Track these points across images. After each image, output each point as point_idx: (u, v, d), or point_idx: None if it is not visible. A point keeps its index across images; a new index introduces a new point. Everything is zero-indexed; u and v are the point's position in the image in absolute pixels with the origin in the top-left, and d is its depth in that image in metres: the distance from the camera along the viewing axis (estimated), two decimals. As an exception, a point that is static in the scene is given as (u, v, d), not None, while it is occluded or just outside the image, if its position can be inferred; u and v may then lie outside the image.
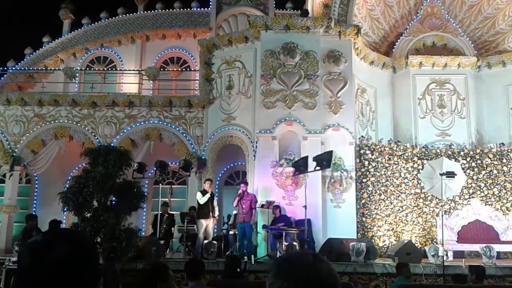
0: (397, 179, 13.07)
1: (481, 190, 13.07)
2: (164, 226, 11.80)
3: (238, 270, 6.09)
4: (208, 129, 13.85)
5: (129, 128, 14.14)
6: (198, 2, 17.78)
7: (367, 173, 12.86)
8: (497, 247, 10.74)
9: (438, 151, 13.36)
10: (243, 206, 11.35)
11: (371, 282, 9.74)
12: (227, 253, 11.51)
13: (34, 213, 14.01)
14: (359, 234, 12.22)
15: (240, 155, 13.85)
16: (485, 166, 13.22)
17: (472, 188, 13.05)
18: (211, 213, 11.51)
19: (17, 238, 11.93)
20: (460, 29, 15.45)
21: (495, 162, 13.25)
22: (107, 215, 8.23)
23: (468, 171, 12.87)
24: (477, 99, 14.72)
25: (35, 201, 15.68)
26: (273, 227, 11.14)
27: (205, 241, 10.93)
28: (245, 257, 10.32)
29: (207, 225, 11.39)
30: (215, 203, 11.80)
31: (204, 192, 11.52)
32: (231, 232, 11.91)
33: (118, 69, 16.99)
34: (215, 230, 13.55)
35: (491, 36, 15.76)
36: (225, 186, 15.87)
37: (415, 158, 13.25)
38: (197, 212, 11.63)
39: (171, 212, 12.74)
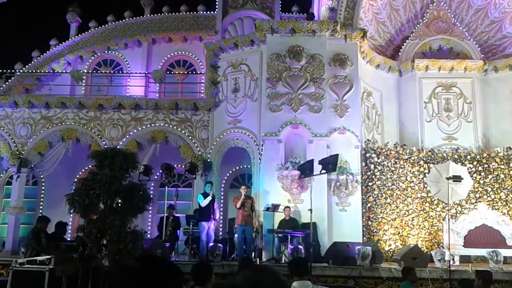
0: (403, 183, 13.02)
1: (488, 195, 12.99)
2: (169, 228, 11.82)
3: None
4: (214, 132, 13.88)
5: (135, 130, 14.19)
6: (204, 5, 17.84)
7: (373, 176, 12.82)
8: (504, 252, 10.68)
9: (445, 155, 13.30)
10: (245, 209, 11.39)
11: (376, 286, 9.71)
12: (232, 256, 11.52)
13: (40, 214, 14.06)
14: (364, 238, 12.18)
15: (246, 158, 13.86)
16: (492, 170, 13.14)
17: (479, 192, 12.97)
18: (212, 216, 11.56)
19: (24, 240, 11.98)
20: (466, 33, 15.40)
21: (502, 166, 13.17)
22: (113, 218, 8.24)
23: (474, 175, 12.80)
24: (483, 103, 14.66)
25: (42, 203, 15.76)
26: (279, 230, 11.14)
27: (211, 244, 10.95)
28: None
29: (209, 227, 11.43)
30: (215, 205, 11.85)
31: (205, 195, 11.56)
32: (236, 235, 11.91)
33: (125, 72, 17.07)
34: (221, 233, 13.58)
35: (498, 40, 15.70)
36: (231, 189, 15.87)
37: (421, 162, 13.19)
38: (198, 215, 11.67)
39: (176, 215, 12.77)
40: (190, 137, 14.01)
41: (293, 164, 12.11)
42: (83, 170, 15.04)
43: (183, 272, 1.64)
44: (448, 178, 9.80)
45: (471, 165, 12.98)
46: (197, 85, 16.33)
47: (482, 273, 7.35)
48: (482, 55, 15.16)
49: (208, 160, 13.60)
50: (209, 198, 11.45)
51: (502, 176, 13.10)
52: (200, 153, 13.77)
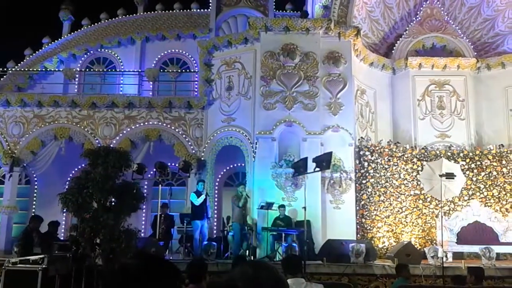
0: (396, 180, 13.07)
1: (481, 192, 13.07)
2: (163, 227, 11.80)
3: None
4: (208, 130, 13.86)
5: (128, 129, 14.14)
6: (197, 3, 17.79)
7: (367, 174, 12.86)
8: (496, 249, 10.75)
9: (438, 152, 13.36)
10: (243, 207, 11.47)
11: (370, 283, 9.74)
12: (226, 254, 11.53)
13: (33, 214, 13.99)
14: (358, 235, 12.22)
15: (240, 156, 13.85)
16: (484, 167, 13.22)
17: (472, 189, 13.05)
18: (205, 214, 11.60)
19: (17, 239, 11.92)
20: (459, 31, 15.46)
21: (495, 164, 13.25)
22: (107, 216, 8.21)
23: (467, 172, 12.87)
24: (476, 101, 14.73)
25: (34, 202, 15.67)
26: (273, 228, 11.15)
27: (205, 242, 10.95)
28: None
29: (202, 225, 11.45)
30: (207, 204, 11.88)
31: (198, 193, 11.55)
32: (230, 233, 11.92)
33: (118, 70, 16.99)
34: (215, 231, 13.58)
35: (490, 38, 15.77)
36: (225, 187, 15.87)
37: (415, 160, 13.25)
38: (192, 213, 11.64)
39: (170, 213, 12.75)
40: (184, 136, 13.97)
41: (287, 162, 12.11)
42: (76, 169, 14.97)
43: (179, 271, 1.64)
44: (441, 176, 9.84)
45: (464, 163, 13.05)
46: (191, 83, 16.29)
47: (474, 269, 7.41)
48: (475, 53, 15.23)
49: (202, 158, 13.58)
50: (203, 197, 11.47)
51: (494, 173, 13.18)
52: (194, 151, 13.74)
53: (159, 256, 1.68)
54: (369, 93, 14.48)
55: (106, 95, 14.68)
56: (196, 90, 15.24)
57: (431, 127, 14.41)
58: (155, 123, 14.18)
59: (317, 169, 10.49)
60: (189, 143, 13.88)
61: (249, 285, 1.52)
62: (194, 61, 16.67)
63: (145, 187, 14.25)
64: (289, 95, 12.60)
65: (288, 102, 12.55)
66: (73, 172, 15.03)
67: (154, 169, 11.74)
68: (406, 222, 12.89)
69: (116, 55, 17.27)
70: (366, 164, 12.88)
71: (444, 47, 15.28)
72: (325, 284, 4.86)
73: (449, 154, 13.25)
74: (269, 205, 11.33)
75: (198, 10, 17.63)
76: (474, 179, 13.12)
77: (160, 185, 11.67)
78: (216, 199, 14.71)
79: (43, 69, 16.83)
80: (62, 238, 12.45)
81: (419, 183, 12.39)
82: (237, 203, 11.47)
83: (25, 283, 7.46)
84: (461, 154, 13.34)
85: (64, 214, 12.92)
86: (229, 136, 13.48)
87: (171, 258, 11.06)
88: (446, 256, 10.81)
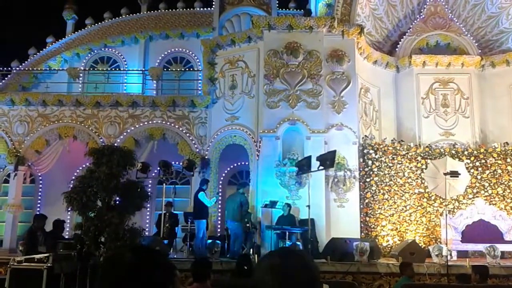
0: (400, 178, 13.04)
1: (485, 190, 13.02)
2: (167, 225, 11.82)
3: (245, 268, 6.12)
4: (212, 129, 13.87)
5: (132, 128, 14.17)
6: (201, 2, 17.80)
7: (371, 172, 12.84)
8: (501, 247, 10.71)
9: (442, 150, 13.32)
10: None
11: (374, 281, 9.73)
12: (228, 254, 11.53)
13: (38, 212, 14.05)
14: (362, 234, 12.20)
15: (244, 155, 13.86)
16: (489, 165, 13.17)
17: (476, 187, 13.00)
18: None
19: (22, 238, 11.97)
20: (463, 28, 15.41)
21: (499, 162, 13.20)
22: (111, 215, 8.23)
23: (472, 170, 12.82)
24: (481, 98, 14.68)
25: (39, 201, 15.74)
26: (277, 226, 11.15)
27: (209, 241, 10.96)
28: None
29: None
30: None
31: (206, 194, 11.54)
32: (235, 232, 11.91)
33: (122, 69, 17.03)
34: (219, 230, 13.61)
35: (494, 35, 15.70)
36: (229, 186, 15.88)
37: (419, 158, 13.21)
38: (201, 213, 11.55)
39: (174, 212, 12.76)
40: (187, 134, 13.99)
41: (291, 160, 12.11)
42: (80, 168, 15.01)
43: (171, 263, 1.64)
44: (445, 174, 9.81)
45: (468, 161, 13.00)
46: (195, 82, 16.31)
47: (479, 268, 7.39)
48: (479, 51, 15.17)
49: (206, 157, 13.60)
50: (214, 199, 11.57)
51: (499, 171, 13.13)
52: (197, 150, 13.76)
53: (150, 247, 1.67)
54: (373, 91, 14.46)
55: (110, 94, 14.72)
56: (199, 88, 15.25)
57: (435, 125, 14.37)
58: (159, 122, 14.20)
59: (321, 167, 10.48)
60: (193, 141, 13.90)
61: (277, 278, 1.46)
62: (198, 60, 16.67)
63: (149, 185, 14.27)
64: (292, 93, 12.59)
65: (291, 101, 12.54)
66: (78, 171, 15.07)
67: (158, 168, 11.75)
68: (411, 221, 12.87)
69: (120, 54, 17.31)
70: (370, 162, 12.86)
71: (448, 45, 15.24)
72: (329, 282, 4.87)
73: (453, 152, 13.21)
74: (273, 204, 11.32)
75: (202, 9, 17.64)
76: (479, 177, 13.08)
77: (164, 184, 11.67)
78: (220, 198, 14.72)
79: (47, 69, 16.88)
80: (66, 237, 12.50)
81: (423, 181, 12.35)
82: (245, 208, 11.34)
83: (30, 282, 7.49)
84: (466, 152, 13.30)
85: (69, 213, 12.98)
86: (233, 135, 13.48)
87: (175, 256, 11.08)
88: (450, 255, 10.77)
